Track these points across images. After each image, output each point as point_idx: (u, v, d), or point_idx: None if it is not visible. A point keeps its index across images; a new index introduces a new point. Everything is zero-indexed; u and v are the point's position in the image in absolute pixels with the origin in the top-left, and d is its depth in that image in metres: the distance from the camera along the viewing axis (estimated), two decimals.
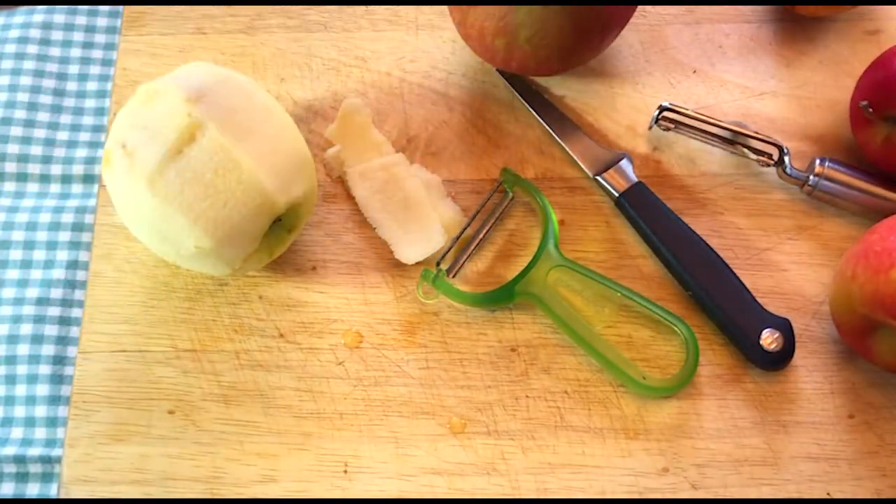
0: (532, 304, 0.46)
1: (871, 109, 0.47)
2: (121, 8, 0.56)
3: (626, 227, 0.49)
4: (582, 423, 0.45)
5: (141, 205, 0.41)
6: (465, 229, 0.48)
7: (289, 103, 0.52)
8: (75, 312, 0.52)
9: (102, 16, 0.60)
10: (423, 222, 0.48)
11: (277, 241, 0.45)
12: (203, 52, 0.53)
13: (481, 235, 0.48)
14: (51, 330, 0.52)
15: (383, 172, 0.49)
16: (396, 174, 0.49)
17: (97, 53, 0.59)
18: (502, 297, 0.46)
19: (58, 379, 0.51)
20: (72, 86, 0.58)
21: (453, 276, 0.47)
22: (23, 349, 0.52)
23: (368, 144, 0.50)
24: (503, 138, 0.52)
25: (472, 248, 0.48)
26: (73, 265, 0.53)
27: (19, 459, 0.49)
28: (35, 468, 0.49)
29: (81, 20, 0.59)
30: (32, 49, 0.58)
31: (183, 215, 0.41)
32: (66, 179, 0.55)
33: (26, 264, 0.54)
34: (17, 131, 0.55)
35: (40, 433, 0.50)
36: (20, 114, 0.56)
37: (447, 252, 0.48)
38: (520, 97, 0.52)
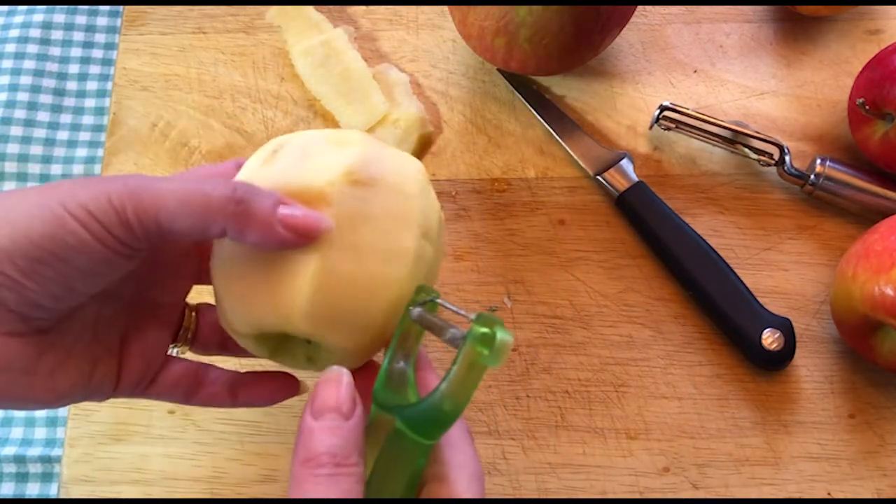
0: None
1: (867, 107, 0.47)
2: (121, 7, 0.56)
3: (626, 227, 0.49)
4: (583, 422, 0.45)
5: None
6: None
7: (289, 103, 0.52)
8: None
9: (102, 15, 0.60)
10: (364, 91, 0.50)
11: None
12: (203, 51, 0.53)
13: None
14: None
15: (324, 48, 0.51)
16: (337, 48, 0.52)
17: (97, 53, 0.59)
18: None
19: None
20: (72, 85, 0.58)
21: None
22: None
23: (308, 24, 0.53)
24: (503, 138, 0.52)
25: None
26: None
27: (19, 459, 0.48)
28: (35, 468, 0.49)
29: (81, 20, 0.59)
30: (33, 48, 0.58)
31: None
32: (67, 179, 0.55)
33: None
34: (17, 131, 0.55)
35: (40, 433, 0.50)
36: (20, 113, 0.56)
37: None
38: (520, 97, 0.52)
